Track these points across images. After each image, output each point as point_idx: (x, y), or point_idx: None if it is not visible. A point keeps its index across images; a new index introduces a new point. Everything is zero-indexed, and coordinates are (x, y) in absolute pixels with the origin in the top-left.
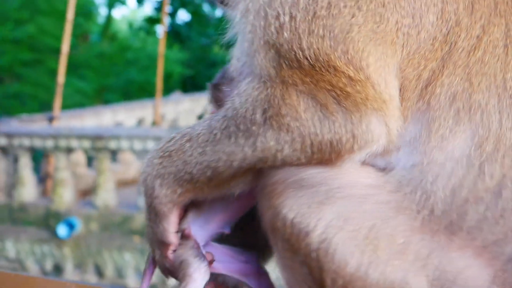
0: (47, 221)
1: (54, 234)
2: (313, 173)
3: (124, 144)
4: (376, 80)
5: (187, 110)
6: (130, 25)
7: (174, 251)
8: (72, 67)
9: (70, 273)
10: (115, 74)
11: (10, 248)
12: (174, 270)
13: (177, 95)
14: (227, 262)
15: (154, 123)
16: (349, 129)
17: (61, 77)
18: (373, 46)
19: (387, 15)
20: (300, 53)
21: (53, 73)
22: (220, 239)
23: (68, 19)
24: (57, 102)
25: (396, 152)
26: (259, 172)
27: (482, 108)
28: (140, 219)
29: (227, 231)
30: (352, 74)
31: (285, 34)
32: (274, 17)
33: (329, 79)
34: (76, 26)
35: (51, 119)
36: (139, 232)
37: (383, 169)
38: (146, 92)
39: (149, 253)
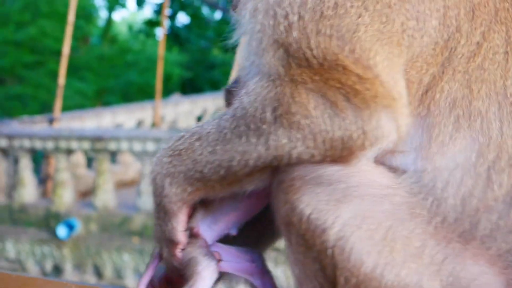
0: (47, 222)
1: (54, 235)
2: (332, 170)
3: (124, 145)
4: (385, 78)
5: (186, 111)
6: (130, 27)
7: (183, 249)
8: (72, 69)
9: (69, 273)
10: (115, 76)
11: (10, 249)
12: (182, 269)
13: (176, 97)
14: (233, 261)
15: (153, 125)
16: (359, 126)
17: (61, 79)
18: (380, 46)
19: (393, 16)
20: (309, 52)
21: (54, 75)
22: (224, 239)
23: (69, 21)
24: (58, 103)
25: (404, 156)
26: (275, 169)
27: (482, 116)
28: (139, 220)
29: (234, 232)
30: (360, 73)
31: (294, 33)
32: (283, 17)
33: (338, 77)
34: (76, 28)
35: (51, 121)
36: (138, 233)
37: (397, 171)
38: (146, 94)
39: (154, 249)
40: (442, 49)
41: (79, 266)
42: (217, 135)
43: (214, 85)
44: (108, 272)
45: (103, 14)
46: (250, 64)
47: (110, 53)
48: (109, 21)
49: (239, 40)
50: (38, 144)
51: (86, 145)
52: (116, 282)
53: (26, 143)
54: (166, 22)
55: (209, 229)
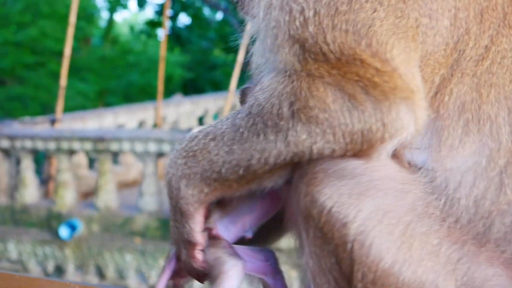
0: (49, 222)
1: (56, 235)
2: (355, 164)
3: (126, 146)
4: (403, 71)
5: (188, 112)
6: (132, 28)
7: (203, 250)
8: (74, 70)
9: (71, 274)
10: (117, 77)
11: (12, 250)
12: (205, 270)
13: (178, 98)
14: (248, 262)
15: (155, 125)
16: (379, 118)
17: (63, 80)
18: (396, 40)
19: (408, 11)
20: (326, 47)
21: (55, 75)
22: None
23: (70, 22)
24: (59, 104)
25: (419, 153)
26: (296, 164)
27: (491, 120)
28: (141, 221)
29: (249, 235)
30: (379, 66)
31: (310, 28)
32: (299, 12)
33: (356, 70)
34: (78, 29)
35: (53, 122)
36: (140, 233)
37: (413, 167)
38: (147, 94)
39: (171, 251)
40: (452, 51)
41: (81, 267)
42: (233, 134)
43: (215, 86)
44: (110, 272)
45: (104, 15)
46: (265, 61)
47: (112, 54)
48: (111, 22)
49: (252, 39)
50: (40, 145)
51: (88, 145)
52: (118, 283)
53: (28, 144)
54: (167, 23)
55: (227, 230)
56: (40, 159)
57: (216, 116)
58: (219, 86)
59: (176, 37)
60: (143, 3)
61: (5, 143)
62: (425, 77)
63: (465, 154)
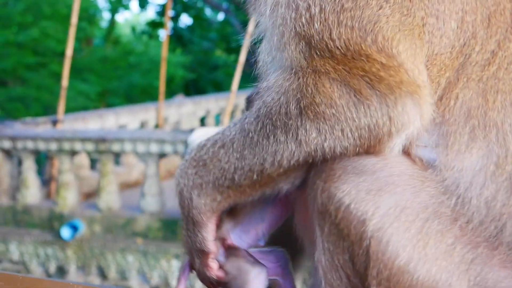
0: (51, 223)
1: (57, 236)
2: (373, 160)
3: (127, 146)
4: (409, 66)
5: (189, 113)
6: (133, 29)
7: (218, 260)
8: (75, 71)
9: (73, 274)
10: (118, 77)
11: (14, 250)
12: (223, 279)
13: (179, 98)
14: None
15: (157, 126)
16: (384, 112)
17: (65, 81)
18: (402, 36)
19: (414, 10)
20: (331, 43)
21: (57, 76)
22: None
23: (72, 23)
24: (61, 105)
25: (430, 151)
26: (311, 164)
27: (497, 127)
28: (143, 222)
29: (262, 243)
30: (384, 61)
31: (316, 25)
32: (305, 9)
33: (361, 65)
34: (79, 30)
35: (55, 122)
36: (142, 234)
37: (427, 164)
38: (149, 95)
39: (185, 260)
40: (458, 54)
41: (83, 268)
42: (243, 140)
43: (217, 86)
44: (112, 273)
45: (106, 15)
46: (271, 59)
47: (113, 54)
48: (112, 23)
49: (259, 38)
50: (41, 146)
51: (89, 146)
52: (120, 284)
53: (30, 145)
54: (169, 24)
55: (240, 240)
56: (42, 159)
57: (218, 117)
58: (221, 86)
59: (178, 38)
60: (144, 4)
61: (7, 144)
62: (431, 77)
63: (473, 159)
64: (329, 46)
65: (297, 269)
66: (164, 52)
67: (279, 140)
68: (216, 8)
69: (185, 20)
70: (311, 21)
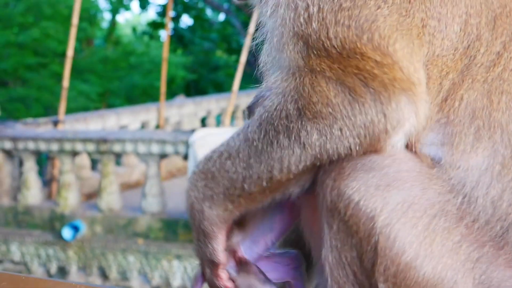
0: (52, 224)
1: (59, 236)
2: (382, 156)
3: (128, 147)
4: (405, 64)
5: (190, 113)
6: (134, 29)
7: (236, 277)
8: (76, 71)
9: (74, 275)
10: (119, 78)
11: (15, 251)
12: None
13: (180, 99)
14: (272, 271)
15: (158, 126)
16: (379, 109)
17: (66, 81)
18: (400, 35)
19: (413, 11)
20: (328, 42)
21: (57, 77)
22: None
23: (72, 23)
24: (62, 105)
25: (436, 150)
26: (319, 166)
27: (502, 128)
28: (144, 222)
29: (273, 251)
30: (379, 59)
31: (313, 24)
32: (304, 8)
33: (356, 63)
34: (80, 30)
35: (55, 123)
36: (143, 234)
37: (434, 162)
38: (150, 95)
39: (198, 269)
40: (462, 56)
41: (84, 268)
42: (248, 149)
43: (218, 87)
44: (113, 273)
45: (106, 16)
46: (271, 60)
47: (114, 55)
48: (113, 23)
49: (261, 39)
50: (42, 146)
51: (90, 147)
52: (121, 284)
53: (31, 145)
54: (169, 24)
55: (250, 250)
56: (43, 160)
57: (219, 117)
58: (222, 87)
59: (179, 38)
60: (145, 4)
61: (8, 145)
62: (432, 77)
63: (478, 159)
64: (325, 45)
65: (309, 272)
66: (165, 52)
67: (283, 145)
68: (217, 9)
69: (186, 20)
70: (309, 20)
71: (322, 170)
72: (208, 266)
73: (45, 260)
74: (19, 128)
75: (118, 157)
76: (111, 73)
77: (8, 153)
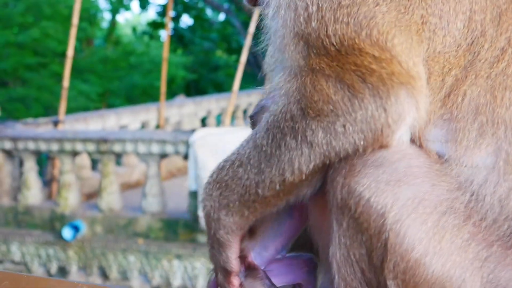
0: (52, 224)
1: (59, 236)
2: (392, 152)
3: (129, 147)
4: (403, 59)
5: (190, 113)
6: (134, 29)
7: (242, 283)
8: (76, 71)
9: (75, 275)
10: (119, 78)
11: (16, 251)
12: None
13: (180, 99)
14: (284, 274)
15: (158, 126)
16: (379, 104)
17: (66, 81)
18: (398, 31)
19: (412, 8)
20: (327, 40)
21: (57, 77)
22: None
23: (72, 23)
24: (62, 105)
25: (442, 146)
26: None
27: (506, 124)
28: (144, 222)
29: (284, 254)
30: (377, 54)
31: (313, 23)
32: (304, 8)
33: (354, 60)
34: (80, 30)
35: (56, 123)
36: (143, 234)
37: (442, 158)
38: (150, 95)
39: (211, 275)
40: (465, 52)
41: (84, 268)
42: (258, 156)
43: (218, 87)
44: (113, 273)
45: (106, 16)
46: (274, 62)
47: (114, 55)
48: (113, 23)
49: (268, 39)
50: (42, 146)
51: (90, 147)
52: (121, 284)
53: (31, 145)
54: (170, 24)
55: (260, 256)
56: (43, 160)
57: (219, 117)
58: (222, 87)
59: (179, 38)
60: (145, 4)
61: (8, 145)
62: (434, 74)
63: (482, 155)
64: (324, 43)
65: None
66: (165, 52)
67: (291, 146)
68: (217, 9)
69: (186, 20)
70: (309, 19)
71: (332, 169)
72: (221, 272)
73: (45, 260)
74: (19, 128)
75: (118, 157)
76: (111, 73)
77: (8, 153)
